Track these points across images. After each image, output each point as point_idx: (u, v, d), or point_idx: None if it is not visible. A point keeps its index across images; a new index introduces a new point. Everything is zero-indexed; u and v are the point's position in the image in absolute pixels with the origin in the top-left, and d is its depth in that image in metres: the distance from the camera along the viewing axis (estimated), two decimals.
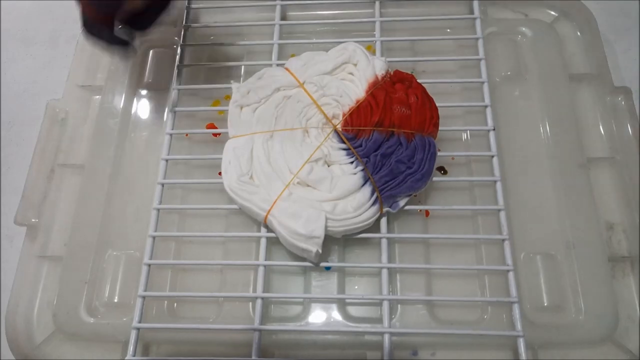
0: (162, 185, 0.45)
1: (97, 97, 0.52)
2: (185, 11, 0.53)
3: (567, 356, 0.40)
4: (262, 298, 0.40)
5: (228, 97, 0.48)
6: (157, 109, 0.51)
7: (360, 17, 0.53)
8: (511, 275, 0.40)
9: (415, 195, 0.43)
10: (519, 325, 0.38)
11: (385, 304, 0.40)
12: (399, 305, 0.42)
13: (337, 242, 0.44)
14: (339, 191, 0.41)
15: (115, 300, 0.43)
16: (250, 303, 0.42)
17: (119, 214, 0.46)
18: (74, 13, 0.58)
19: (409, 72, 0.46)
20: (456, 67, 0.51)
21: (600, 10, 0.52)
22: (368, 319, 0.42)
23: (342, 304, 0.42)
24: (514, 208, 0.44)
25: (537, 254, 0.43)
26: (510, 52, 0.51)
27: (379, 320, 0.41)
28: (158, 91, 0.52)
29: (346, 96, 0.44)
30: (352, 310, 0.42)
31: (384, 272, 0.41)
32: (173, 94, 0.49)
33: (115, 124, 0.50)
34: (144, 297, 0.41)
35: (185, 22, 0.52)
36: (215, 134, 0.49)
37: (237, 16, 0.55)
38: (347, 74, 0.46)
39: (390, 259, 0.42)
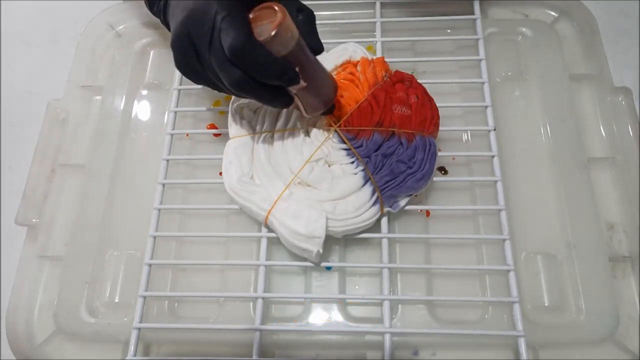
0: (163, 185, 0.45)
1: (98, 97, 0.52)
2: None
3: (567, 356, 0.40)
4: (263, 298, 0.40)
5: (229, 98, 0.48)
6: (158, 109, 0.51)
7: (361, 17, 0.53)
8: (512, 275, 0.40)
9: (415, 195, 0.43)
10: (519, 325, 0.38)
11: (386, 304, 0.40)
12: (399, 305, 0.42)
13: (337, 242, 0.44)
14: (339, 191, 0.41)
15: (116, 300, 0.43)
16: (251, 303, 0.42)
17: (120, 214, 0.46)
18: (74, 13, 0.59)
19: (410, 73, 0.46)
20: (456, 67, 0.51)
21: (600, 10, 0.52)
22: (369, 319, 0.42)
23: (343, 304, 0.42)
24: (515, 208, 0.44)
25: (538, 253, 0.43)
26: (511, 53, 0.51)
27: (380, 320, 0.41)
28: (159, 91, 0.52)
29: (347, 96, 0.44)
30: (353, 310, 0.42)
31: (385, 272, 0.41)
32: (174, 94, 0.49)
33: (116, 124, 0.50)
34: (144, 297, 0.41)
35: None
36: (216, 134, 0.49)
37: None
38: (348, 74, 0.46)
39: (391, 259, 0.42)
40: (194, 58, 0.37)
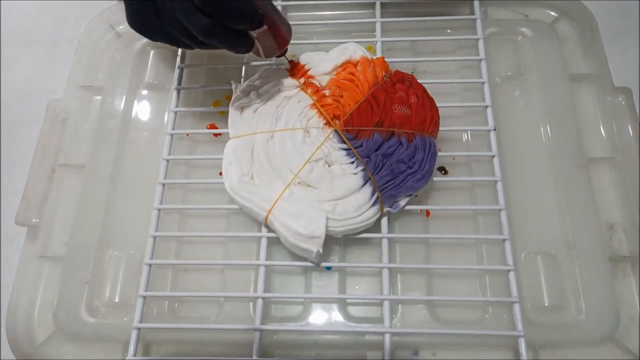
0: (163, 185, 0.45)
1: (98, 97, 0.52)
2: None
3: (567, 356, 0.40)
4: (263, 298, 0.40)
5: (229, 98, 0.48)
6: (158, 109, 0.51)
7: (361, 17, 0.53)
8: (512, 275, 0.40)
9: (416, 195, 0.43)
10: (519, 325, 0.38)
11: (386, 304, 0.40)
12: (399, 305, 0.42)
13: (337, 242, 0.44)
14: (339, 191, 0.41)
15: (116, 300, 0.43)
16: (251, 303, 0.42)
17: (120, 214, 0.46)
18: (74, 13, 0.59)
19: (410, 73, 0.46)
20: (457, 67, 0.51)
21: (600, 10, 0.52)
22: (369, 319, 0.42)
23: (343, 304, 0.42)
24: (515, 208, 0.44)
25: (538, 253, 0.43)
26: (511, 53, 0.51)
27: (380, 320, 0.41)
28: (159, 91, 0.52)
29: (347, 96, 0.44)
30: (353, 310, 0.42)
31: (385, 272, 0.41)
32: (174, 94, 0.49)
33: (116, 124, 0.50)
34: (144, 297, 0.41)
35: None
36: (216, 134, 0.49)
37: None
38: (348, 74, 0.46)
39: (391, 259, 0.42)
40: (150, 10, 0.36)
